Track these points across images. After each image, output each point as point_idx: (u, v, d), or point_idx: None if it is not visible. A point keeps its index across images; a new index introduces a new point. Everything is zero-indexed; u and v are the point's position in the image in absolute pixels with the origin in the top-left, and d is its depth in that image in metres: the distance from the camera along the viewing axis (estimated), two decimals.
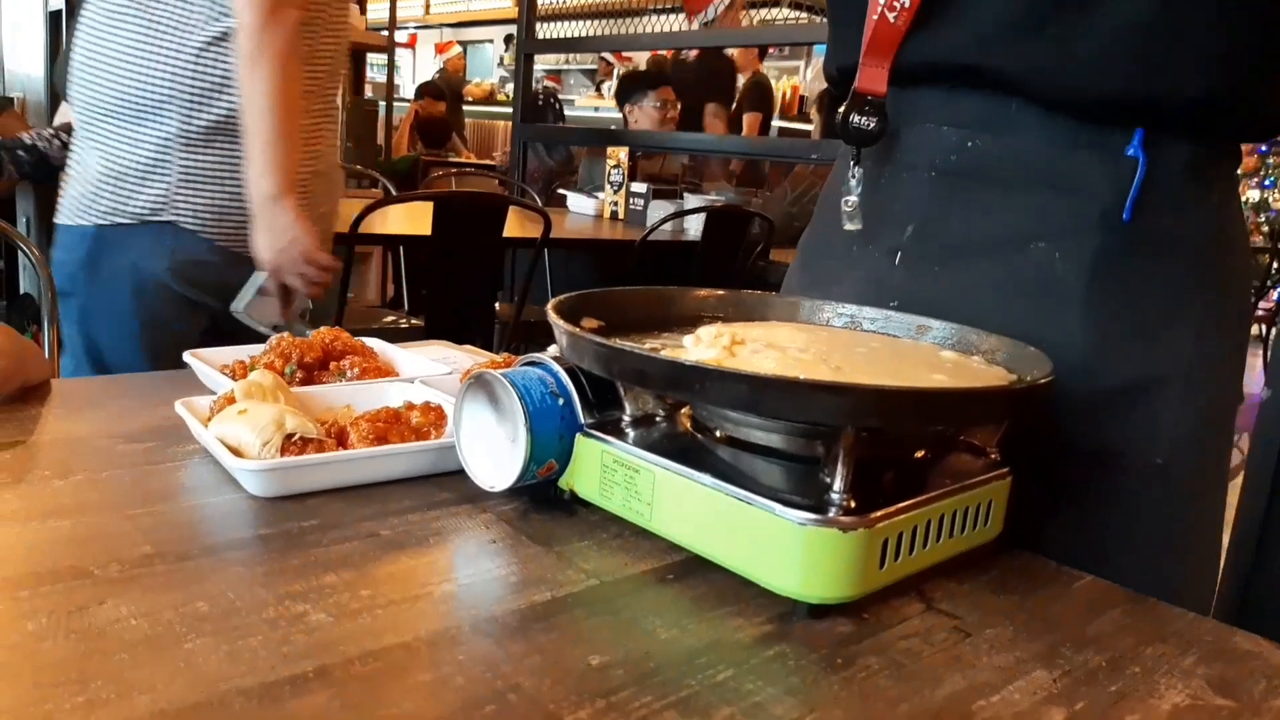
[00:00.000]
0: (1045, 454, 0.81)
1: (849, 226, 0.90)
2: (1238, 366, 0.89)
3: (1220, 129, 0.83)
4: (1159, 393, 0.82)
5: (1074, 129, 0.81)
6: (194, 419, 0.79)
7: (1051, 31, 0.79)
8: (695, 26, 4.77)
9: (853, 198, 0.88)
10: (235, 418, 0.75)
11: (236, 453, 0.73)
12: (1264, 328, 6.95)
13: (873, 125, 0.85)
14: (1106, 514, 0.84)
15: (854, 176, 0.88)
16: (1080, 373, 0.80)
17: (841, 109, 0.86)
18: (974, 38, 0.82)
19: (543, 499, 0.75)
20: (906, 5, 0.83)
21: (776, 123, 4.49)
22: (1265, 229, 7.87)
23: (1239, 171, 0.91)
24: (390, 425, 0.79)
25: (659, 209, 3.98)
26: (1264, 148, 8.79)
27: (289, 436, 0.74)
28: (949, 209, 0.86)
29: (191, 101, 1.55)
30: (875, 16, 0.84)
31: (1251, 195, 8.84)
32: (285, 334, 0.98)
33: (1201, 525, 0.89)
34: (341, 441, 0.77)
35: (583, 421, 0.71)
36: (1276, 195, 8.78)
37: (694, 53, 6.08)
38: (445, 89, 7.80)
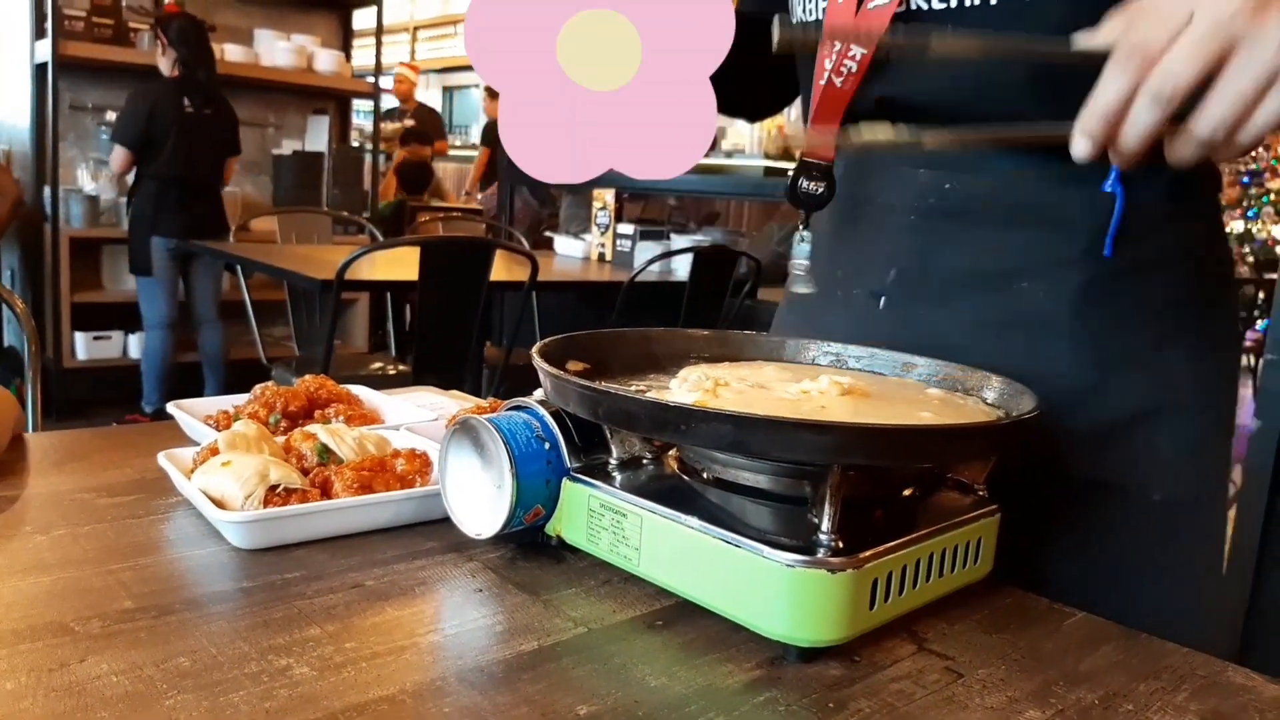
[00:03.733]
0: (1043, 487, 0.81)
1: (801, 290, 0.89)
2: (1232, 388, 0.89)
3: None
4: (1155, 422, 0.82)
5: (1050, 166, 0.80)
6: (176, 471, 0.78)
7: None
8: None
9: (803, 261, 0.87)
10: (218, 469, 0.74)
11: (220, 504, 0.72)
12: (1252, 359, 6.97)
13: (820, 190, 0.85)
14: (1106, 546, 0.84)
15: (803, 239, 0.87)
16: (1076, 406, 0.80)
17: (790, 173, 0.86)
18: (933, 94, 0.82)
19: (529, 545, 0.74)
20: (854, 70, 0.82)
21: (761, 163, 4.52)
22: (1250, 259, 7.91)
23: (1223, 202, 0.92)
24: (375, 473, 0.78)
25: (646, 250, 3.99)
26: (1246, 179, 8.87)
27: (273, 487, 0.73)
28: (931, 250, 0.86)
29: None
30: (822, 82, 0.84)
31: (1236, 226, 8.89)
32: (269, 384, 0.97)
33: (1200, 556, 0.88)
34: (326, 491, 0.77)
35: (569, 466, 0.71)
36: (1261, 225, 8.84)
37: None
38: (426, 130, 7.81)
